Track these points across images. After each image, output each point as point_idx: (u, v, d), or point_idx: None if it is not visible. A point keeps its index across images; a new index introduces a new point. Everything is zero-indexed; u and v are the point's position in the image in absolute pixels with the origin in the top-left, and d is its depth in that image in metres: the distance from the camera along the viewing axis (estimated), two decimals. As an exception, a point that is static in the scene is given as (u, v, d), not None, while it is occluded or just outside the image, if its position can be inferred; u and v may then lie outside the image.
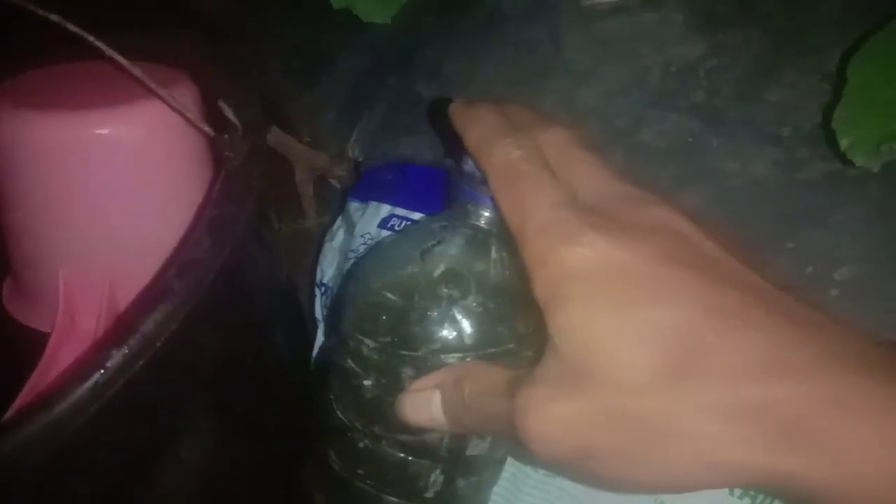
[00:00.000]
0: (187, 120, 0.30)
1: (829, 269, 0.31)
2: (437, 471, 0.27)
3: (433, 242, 0.26)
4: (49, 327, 0.37)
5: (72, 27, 0.27)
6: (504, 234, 0.26)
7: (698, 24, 0.39)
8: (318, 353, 0.39)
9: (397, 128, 0.46)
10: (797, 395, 0.18)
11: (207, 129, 0.30)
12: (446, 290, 0.25)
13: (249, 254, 0.33)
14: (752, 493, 0.29)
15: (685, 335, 0.19)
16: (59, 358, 0.36)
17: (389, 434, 0.27)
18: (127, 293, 0.36)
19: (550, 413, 0.20)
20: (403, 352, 0.25)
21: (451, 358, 0.25)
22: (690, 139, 0.36)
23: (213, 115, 0.34)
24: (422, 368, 0.25)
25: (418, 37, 0.47)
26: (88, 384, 0.26)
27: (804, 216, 0.33)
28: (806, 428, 0.18)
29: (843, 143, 0.28)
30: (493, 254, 0.26)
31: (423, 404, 0.25)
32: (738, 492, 0.29)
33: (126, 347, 0.26)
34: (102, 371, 0.26)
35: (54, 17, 0.26)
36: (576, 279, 0.20)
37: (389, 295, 0.26)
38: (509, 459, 0.34)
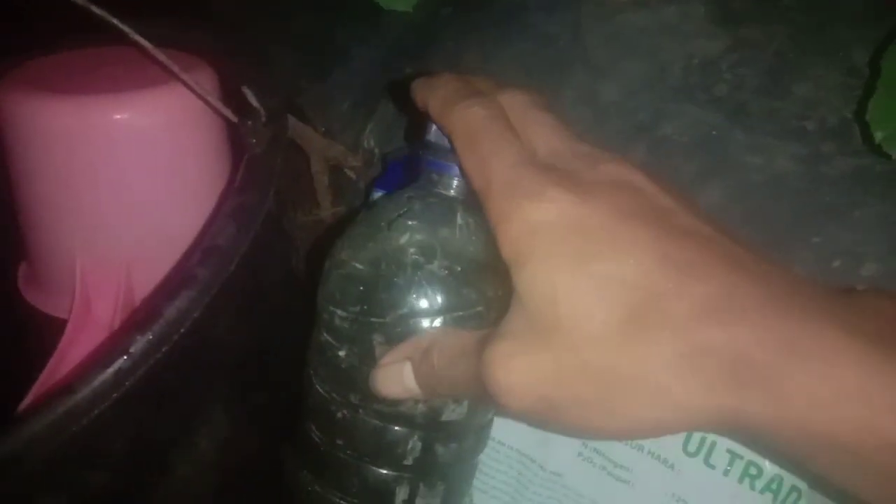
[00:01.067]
0: (210, 106, 0.29)
1: (856, 265, 0.31)
2: (415, 437, 0.28)
3: (399, 212, 0.27)
4: (64, 313, 0.37)
5: (97, 10, 0.27)
6: (470, 201, 0.26)
7: (720, 19, 0.39)
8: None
9: (413, 119, 0.45)
10: (746, 336, 0.19)
11: (231, 115, 0.29)
12: (412, 256, 0.26)
13: (268, 242, 0.33)
14: (773, 487, 0.29)
15: (641, 285, 0.20)
16: (75, 345, 0.35)
17: (365, 403, 0.27)
18: (143, 280, 0.35)
19: (516, 366, 0.21)
20: (373, 319, 0.26)
21: (421, 323, 0.26)
22: (714, 133, 0.36)
23: (232, 103, 0.34)
24: (391, 335, 0.26)
25: (436, 27, 0.46)
26: (111, 369, 0.26)
27: (828, 212, 0.33)
28: (754, 368, 0.18)
29: (878, 135, 0.28)
30: (459, 220, 0.27)
31: (395, 377, 0.25)
32: (759, 486, 0.29)
33: (150, 333, 0.26)
34: (126, 357, 0.26)
35: (80, 1, 0.26)
36: (538, 234, 0.21)
37: (357, 265, 0.27)
38: (516, 456, 0.34)
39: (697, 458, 0.30)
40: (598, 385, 0.20)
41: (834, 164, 0.34)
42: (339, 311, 0.27)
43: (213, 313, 0.28)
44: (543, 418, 0.22)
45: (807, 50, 0.37)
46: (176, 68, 0.28)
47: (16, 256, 0.40)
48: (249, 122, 0.30)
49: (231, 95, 0.34)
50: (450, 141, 0.25)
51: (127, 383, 0.26)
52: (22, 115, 0.34)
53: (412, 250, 0.26)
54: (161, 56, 0.28)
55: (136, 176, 0.35)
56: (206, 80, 0.34)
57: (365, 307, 0.26)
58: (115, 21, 0.27)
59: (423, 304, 0.26)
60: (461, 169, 0.25)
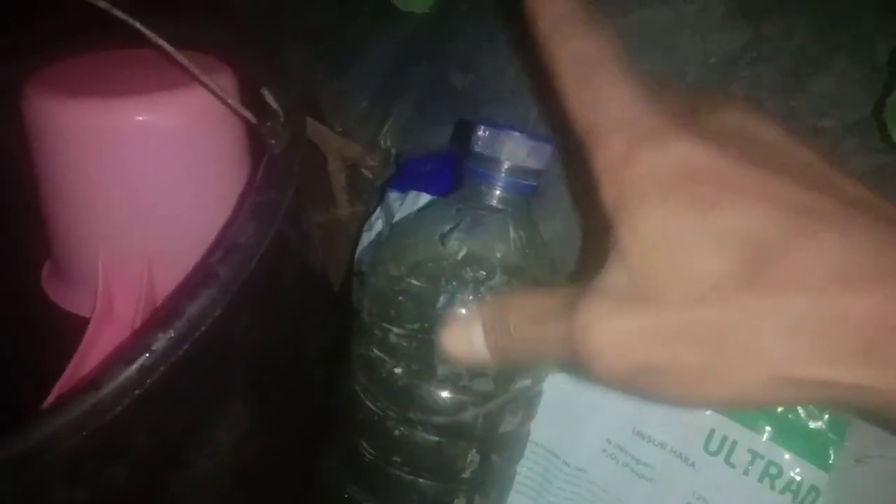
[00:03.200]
0: (230, 107, 0.30)
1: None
2: (474, 450, 0.28)
3: (450, 226, 0.26)
4: (87, 312, 0.37)
5: (118, 13, 0.27)
6: (518, 213, 0.26)
7: (739, 14, 0.39)
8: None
9: (430, 117, 0.45)
10: (880, 302, 0.16)
11: (251, 116, 0.30)
12: (471, 272, 0.25)
13: (288, 241, 0.33)
14: (793, 487, 0.29)
15: (765, 239, 0.18)
16: (97, 342, 0.36)
17: (425, 419, 0.27)
18: (165, 278, 0.36)
19: (614, 326, 0.19)
20: (434, 337, 0.25)
21: None
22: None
23: (251, 103, 0.34)
24: None
25: (452, 26, 0.46)
26: (134, 366, 0.26)
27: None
28: (888, 338, 0.16)
29: (896, 133, 0.27)
30: (512, 233, 0.26)
31: (464, 336, 0.23)
32: (779, 485, 0.29)
33: (172, 331, 0.26)
34: (148, 354, 0.26)
35: (102, 4, 0.26)
36: (654, 177, 0.19)
37: (414, 281, 0.26)
38: (541, 452, 0.34)
39: (718, 458, 0.30)
40: (705, 349, 0.18)
41: (855, 161, 0.33)
42: (394, 329, 0.27)
43: (233, 311, 0.29)
44: (640, 384, 0.19)
45: (828, 45, 0.36)
46: (197, 71, 0.29)
47: (40, 255, 0.41)
48: (269, 123, 0.30)
49: (250, 96, 0.34)
50: (551, 69, 0.22)
51: (149, 380, 0.26)
52: (46, 116, 0.35)
53: (472, 266, 0.25)
54: (182, 59, 0.28)
55: (158, 176, 0.35)
56: (225, 81, 0.34)
57: (426, 325, 0.26)
58: (136, 24, 0.27)
59: None
60: (562, 103, 0.22)
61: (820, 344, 0.17)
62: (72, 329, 0.37)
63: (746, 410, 0.29)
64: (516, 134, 0.26)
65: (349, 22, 0.52)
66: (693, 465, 0.30)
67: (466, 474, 0.28)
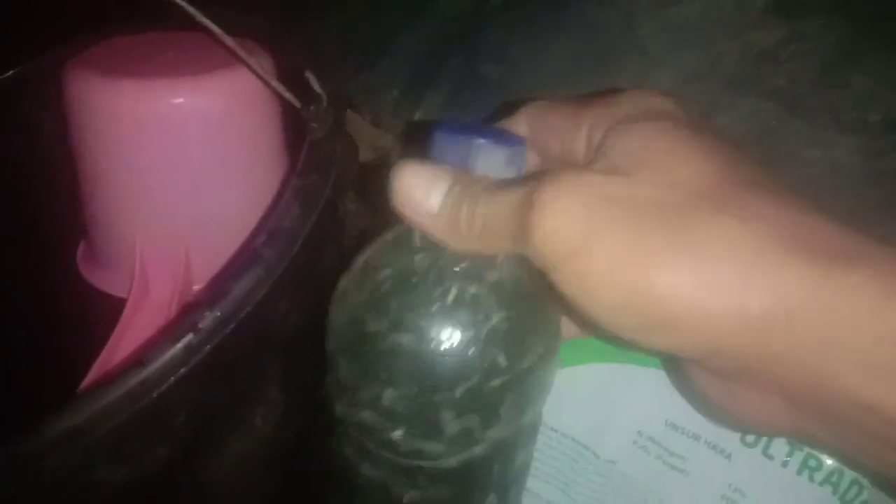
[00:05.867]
0: (274, 90, 0.30)
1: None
2: (493, 495, 0.26)
3: (430, 270, 0.22)
4: (121, 292, 0.37)
5: (169, -6, 0.27)
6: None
7: (777, 9, 0.39)
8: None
9: (461, 108, 0.45)
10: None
11: (294, 99, 0.30)
12: (469, 315, 0.22)
13: (326, 226, 0.34)
14: (833, 480, 0.28)
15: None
16: (133, 324, 0.36)
17: (435, 479, 0.24)
18: (201, 262, 0.36)
19: (568, 200, 0.18)
20: (437, 395, 0.22)
21: (494, 382, 0.22)
22: (771, 125, 0.36)
23: (291, 88, 0.34)
24: (463, 407, 0.22)
25: (485, 16, 0.47)
26: (181, 344, 0.26)
27: (887, 205, 0.33)
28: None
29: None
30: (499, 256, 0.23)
31: (423, 181, 0.21)
32: (818, 478, 0.29)
33: (218, 310, 0.26)
34: (194, 333, 0.26)
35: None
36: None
37: (400, 339, 0.22)
38: (570, 444, 0.34)
39: (755, 449, 0.30)
40: (671, 230, 0.17)
41: (894, 157, 0.33)
42: (387, 390, 0.23)
43: (274, 296, 0.29)
44: (579, 272, 0.18)
45: (867, 41, 0.36)
46: (243, 53, 0.29)
47: (75, 235, 0.41)
48: (312, 107, 0.30)
49: (287, 81, 0.35)
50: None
51: (194, 359, 0.27)
52: (87, 98, 0.35)
53: (466, 309, 0.22)
54: (229, 41, 0.28)
55: (198, 159, 0.35)
56: (267, 65, 0.34)
57: (427, 383, 0.22)
58: (186, 6, 0.28)
59: (492, 366, 0.22)
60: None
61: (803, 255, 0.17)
62: (104, 309, 0.38)
63: None
64: (485, 143, 0.21)
65: (379, 12, 0.52)
66: (729, 457, 0.30)
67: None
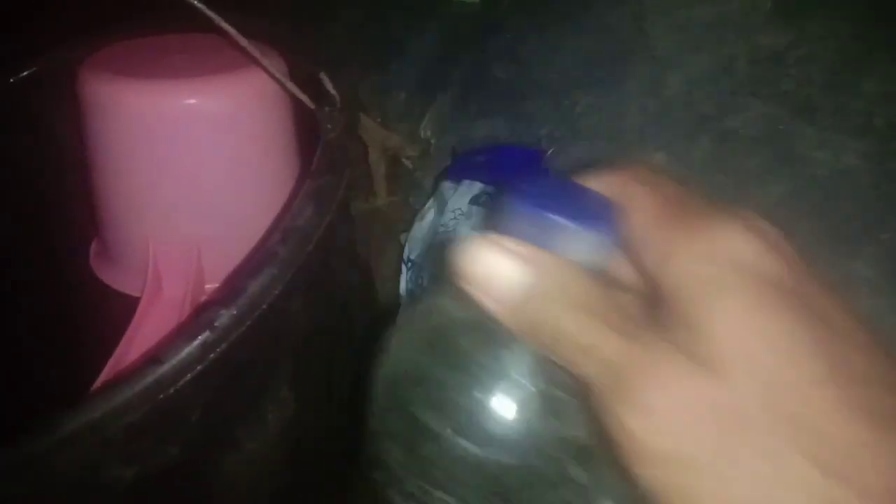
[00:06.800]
0: (288, 91, 0.30)
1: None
2: None
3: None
4: (133, 290, 0.38)
5: (187, -4, 0.28)
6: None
7: (786, 13, 0.39)
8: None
9: (472, 109, 0.46)
10: None
11: (308, 101, 0.30)
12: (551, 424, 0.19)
13: (338, 226, 0.34)
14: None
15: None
16: (146, 322, 0.36)
17: None
18: (213, 261, 0.36)
19: (674, 383, 0.16)
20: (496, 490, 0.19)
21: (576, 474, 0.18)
22: (780, 127, 0.36)
23: (304, 89, 0.34)
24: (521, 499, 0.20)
25: (496, 18, 0.47)
26: (197, 342, 0.26)
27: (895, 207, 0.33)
28: None
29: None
30: None
31: (492, 261, 0.17)
32: None
33: (234, 308, 0.26)
34: (210, 331, 0.27)
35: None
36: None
37: (467, 445, 0.19)
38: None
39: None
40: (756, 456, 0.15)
41: (903, 160, 0.33)
42: (437, 493, 0.20)
43: (288, 295, 0.29)
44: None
45: (874, 45, 0.37)
46: (258, 55, 0.29)
47: (88, 233, 0.41)
48: (326, 108, 0.30)
49: (299, 83, 0.35)
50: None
51: (210, 356, 0.27)
52: (100, 99, 0.35)
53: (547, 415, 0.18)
54: (245, 42, 0.29)
55: (208, 160, 0.36)
56: (280, 67, 0.35)
57: (494, 490, 0.18)
58: (202, 7, 0.28)
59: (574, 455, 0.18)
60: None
61: None
62: (116, 307, 0.38)
63: None
64: (571, 225, 0.18)
65: (389, 14, 0.53)
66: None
67: None
